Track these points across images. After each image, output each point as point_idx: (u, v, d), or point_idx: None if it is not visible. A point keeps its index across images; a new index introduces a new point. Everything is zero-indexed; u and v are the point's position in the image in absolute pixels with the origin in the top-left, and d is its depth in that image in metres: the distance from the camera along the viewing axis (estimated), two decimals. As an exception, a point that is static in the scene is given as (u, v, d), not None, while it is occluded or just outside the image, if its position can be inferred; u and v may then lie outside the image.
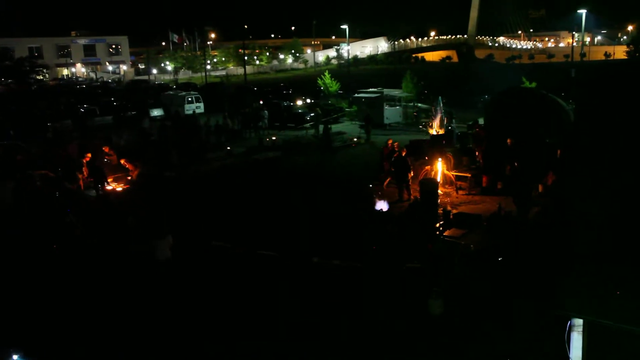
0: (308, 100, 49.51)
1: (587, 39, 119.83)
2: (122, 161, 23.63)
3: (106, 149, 24.61)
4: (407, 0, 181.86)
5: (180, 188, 22.16)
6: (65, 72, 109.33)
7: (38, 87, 74.85)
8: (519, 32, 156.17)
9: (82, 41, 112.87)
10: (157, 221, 16.30)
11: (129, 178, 23.09)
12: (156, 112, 46.02)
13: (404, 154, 19.88)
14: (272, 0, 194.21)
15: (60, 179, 21.10)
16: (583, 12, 57.27)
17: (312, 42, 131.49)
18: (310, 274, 13.70)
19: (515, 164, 18.23)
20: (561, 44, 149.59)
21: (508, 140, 19.82)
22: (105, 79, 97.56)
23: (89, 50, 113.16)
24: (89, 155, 22.33)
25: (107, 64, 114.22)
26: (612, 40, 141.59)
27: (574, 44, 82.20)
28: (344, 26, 73.37)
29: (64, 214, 17.56)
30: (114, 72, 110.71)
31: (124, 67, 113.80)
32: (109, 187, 22.10)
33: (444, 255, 13.96)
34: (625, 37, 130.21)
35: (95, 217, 18.24)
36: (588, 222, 11.89)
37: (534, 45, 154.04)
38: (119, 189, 22.35)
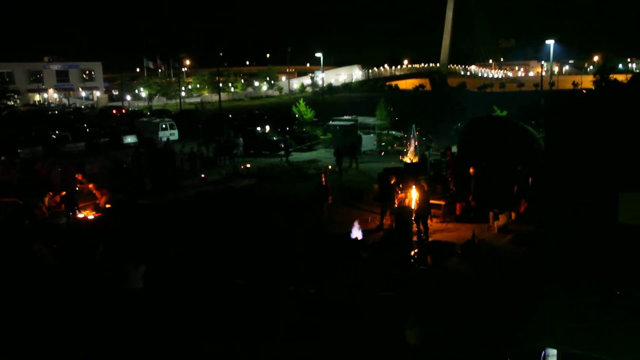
0: (280, 129, 49.62)
1: (556, 69, 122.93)
2: (91, 186, 23.36)
3: (79, 177, 24.29)
4: (381, 29, 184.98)
5: (154, 216, 21.91)
6: (37, 97, 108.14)
7: (9, 113, 73.85)
8: (490, 61, 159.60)
9: (55, 67, 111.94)
10: (130, 249, 16.06)
11: (99, 205, 22.81)
12: (130, 139, 45.65)
13: (392, 181, 19.99)
14: (247, 27, 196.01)
15: (29, 207, 20.73)
16: (551, 42, 58.82)
17: (287, 70, 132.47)
18: (285, 302, 13.58)
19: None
20: (531, 73, 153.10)
21: (471, 170, 20.09)
22: (78, 105, 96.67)
23: (62, 76, 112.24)
24: (63, 192, 21.93)
25: (80, 89, 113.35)
26: (580, 69, 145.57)
27: (543, 73, 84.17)
28: (319, 54, 74.14)
29: (33, 242, 17.20)
30: (87, 98, 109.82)
31: (97, 93, 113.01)
32: (80, 215, 21.76)
33: (419, 283, 13.99)
34: (592, 67, 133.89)
35: (65, 245, 17.89)
36: (560, 250, 12.03)
37: (505, 74, 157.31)
38: (91, 216, 22.01)
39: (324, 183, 20.66)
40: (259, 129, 44.91)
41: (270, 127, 47.49)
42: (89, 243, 17.26)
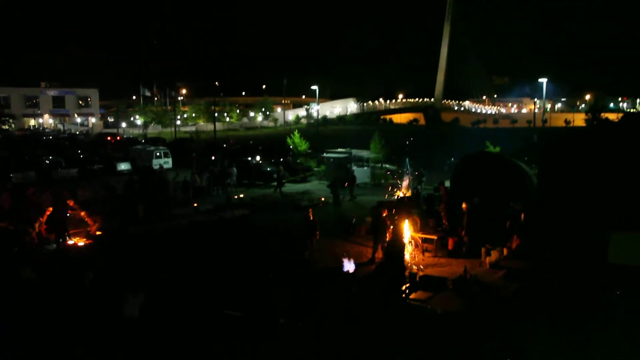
0: (274, 160, 49.74)
1: (548, 106, 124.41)
2: (82, 214, 23.23)
3: (70, 203, 24.16)
4: (377, 62, 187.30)
5: (145, 244, 21.74)
6: (32, 122, 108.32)
7: (3, 137, 73.83)
8: (484, 97, 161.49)
9: (52, 92, 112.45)
10: (129, 276, 15.93)
11: (90, 232, 22.67)
12: (124, 166, 45.59)
13: (384, 214, 20.00)
14: (244, 58, 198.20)
15: (19, 233, 20.57)
16: (544, 80, 59.65)
17: (283, 101, 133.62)
18: (276, 335, 13.43)
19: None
20: (524, 110, 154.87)
21: (463, 205, 20.16)
22: (72, 131, 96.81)
23: (58, 102, 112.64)
24: (50, 209, 21.85)
25: (76, 115, 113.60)
26: (572, 107, 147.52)
27: (536, 110, 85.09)
28: (314, 87, 74.78)
29: (22, 268, 17.02)
30: (82, 124, 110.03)
31: (92, 120, 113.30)
32: (70, 242, 21.60)
33: (409, 318, 13.90)
34: (583, 105, 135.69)
35: (54, 271, 17.71)
36: (550, 285, 12.00)
37: (498, 110, 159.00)
38: (81, 243, 21.84)
39: (311, 218, 20.67)
40: (250, 158, 45.06)
41: (261, 157, 47.57)
42: (78, 270, 17.09)
